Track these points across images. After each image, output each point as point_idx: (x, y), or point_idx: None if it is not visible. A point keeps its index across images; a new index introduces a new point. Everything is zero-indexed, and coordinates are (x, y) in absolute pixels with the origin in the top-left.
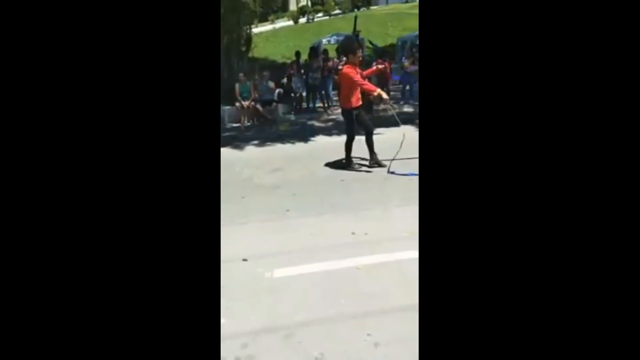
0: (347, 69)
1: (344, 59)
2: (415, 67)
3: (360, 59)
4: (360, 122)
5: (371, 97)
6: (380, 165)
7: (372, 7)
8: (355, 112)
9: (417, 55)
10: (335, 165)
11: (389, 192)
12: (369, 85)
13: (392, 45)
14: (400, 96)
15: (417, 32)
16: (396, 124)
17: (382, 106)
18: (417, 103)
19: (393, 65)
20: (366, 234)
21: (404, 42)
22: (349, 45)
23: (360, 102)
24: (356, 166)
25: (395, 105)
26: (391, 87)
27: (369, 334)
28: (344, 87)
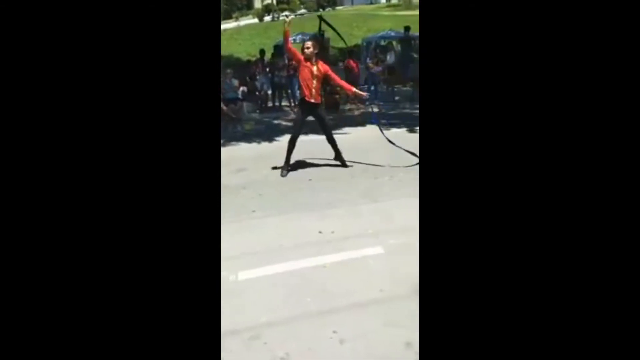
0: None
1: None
2: (379, 68)
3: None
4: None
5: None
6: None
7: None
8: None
9: (380, 56)
10: (302, 164)
11: (356, 190)
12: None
13: (356, 46)
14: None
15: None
16: (362, 124)
17: (348, 106)
18: (382, 103)
19: (361, 66)
20: (332, 232)
21: (368, 42)
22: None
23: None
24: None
25: (361, 105)
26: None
27: (334, 331)
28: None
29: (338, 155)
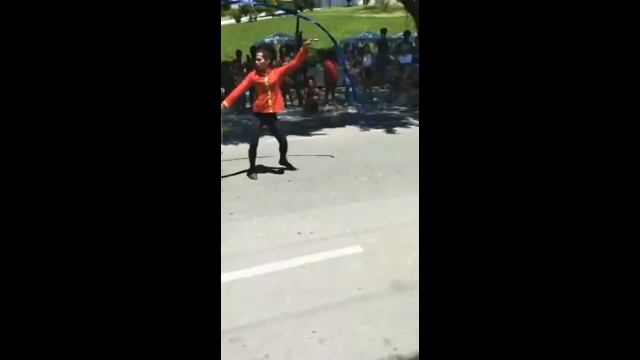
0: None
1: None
2: (357, 70)
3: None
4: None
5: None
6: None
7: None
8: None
9: (358, 58)
10: (280, 166)
11: (335, 190)
12: (294, 61)
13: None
14: (344, 98)
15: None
16: (341, 125)
17: (327, 107)
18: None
19: (339, 67)
20: (312, 233)
21: (346, 44)
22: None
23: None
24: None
25: (339, 107)
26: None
27: (314, 331)
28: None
29: (283, 160)
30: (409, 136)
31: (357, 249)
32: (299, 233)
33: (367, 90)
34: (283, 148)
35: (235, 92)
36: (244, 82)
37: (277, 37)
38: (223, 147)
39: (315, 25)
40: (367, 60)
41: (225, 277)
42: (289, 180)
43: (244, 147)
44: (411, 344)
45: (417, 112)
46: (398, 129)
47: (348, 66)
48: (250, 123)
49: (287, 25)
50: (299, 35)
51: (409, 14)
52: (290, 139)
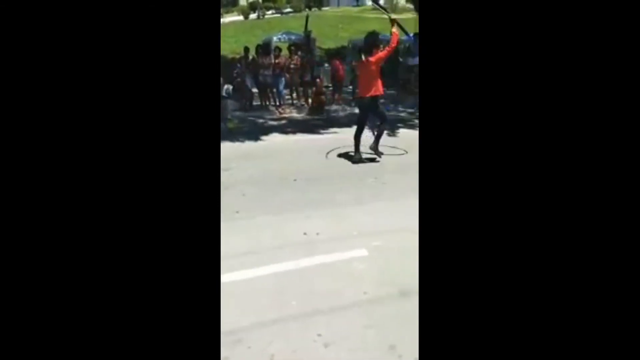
0: (365, 61)
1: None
2: None
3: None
4: (378, 111)
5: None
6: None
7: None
8: (372, 100)
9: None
10: (287, 164)
11: (341, 191)
12: (388, 48)
13: (343, 47)
14: (350, 98)
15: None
16: (348, 125)
17: (334, 107)
18: None
19: (346, 67)
20: (317, 234)
21: (354, 44)
22: (370, 41)
23: (381, 91)
24: (364, 159)
25: (346, 107)
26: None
27: (319, 334)
28: (363, 76)
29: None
30: (416, 138)
31: (363, 252)
32: (304, 234)
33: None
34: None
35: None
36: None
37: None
38: (229, 144)
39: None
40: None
41: (229, 277)
42: (295, 180)
43: (250, 145)
44: (415, 351)
45: None
46: (405, 131)
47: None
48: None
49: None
50: (307, 33)
51: (418, 15)
52: (298, 137)
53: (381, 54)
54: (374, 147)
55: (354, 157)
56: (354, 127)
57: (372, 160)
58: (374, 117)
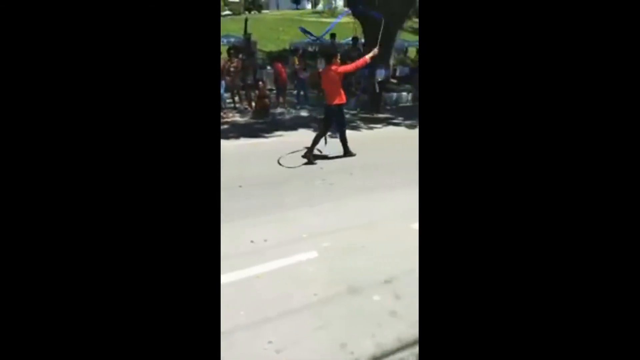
0: (334, 68)
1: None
2: (307, 74)
3: (338, 61)
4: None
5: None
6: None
7: (263, 11)
8: (339, 108)
9: (309, 62)
10: (231, 170)
11: (288, 195)
12: (357, 63)
13: (285, 50)
14: (295, 101)
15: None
16: (293, 128)
17: (279, 110)
18: (312, 107)
19: (287, 71)
20: (265, 240)
21: (295, 48)
22: (330, 50)
23: (345, 100)
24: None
25: (292, 110)
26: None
27: (270, 342)
28: (329, 85)
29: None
30: (359, 139)
31: (313, 254)
32: (251, 241)
33: (321, 94)
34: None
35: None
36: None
37: (225, 39)
38: None
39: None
40: (320, 64)
41: None
42: (240, 186)
43: None
44: (366, 347)
45: (366, 115)
46: (349, 132)
47: (298, 69)
48: (330, 115)
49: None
50: (247, 36)
51: (356, 20)
52: (241, 142)
53: (348, 67)
54: (346, 149)
55: (306, 154)
56: (300, 130)
57: (324, 157)
58: (336, 124)
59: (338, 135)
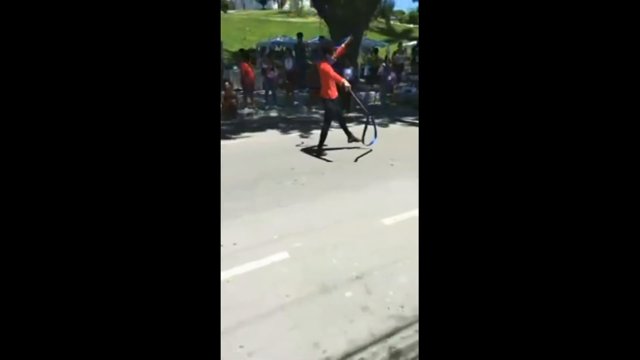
0: (325, 65)
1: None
2: (275, 73)
3: (334, 58)
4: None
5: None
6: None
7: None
8: (332, 101)
9: (277, 61)
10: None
11: (258, 197)
12: (339, 78)
13: (252, 50)
14: (264, 101)
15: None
16: (261, 129)
17: (246, 110)
18: (281, 108)
19: (255, 70)
20: (235, 244)
21: (263, 48)
22: (325, 45)
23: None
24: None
25: (260, 111)
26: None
27: (241, 346)
28: (322, 79)
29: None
30: (330, 138)
31: (284, 255)
32: (221, 245)
33: (289, 94)
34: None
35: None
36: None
37: None
38: None
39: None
40: (288, 64)
41: None
42: None
43: None
44: (339, 344)
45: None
46: (319, 131)
47: (266, 69)
48: (327, 107)
49: None
50: None
51: (322, 20)
52: None
53: (331, 73)
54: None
55: (317, 151)
56: (268, 131)
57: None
58: (335, 116)
59: (339, 125)
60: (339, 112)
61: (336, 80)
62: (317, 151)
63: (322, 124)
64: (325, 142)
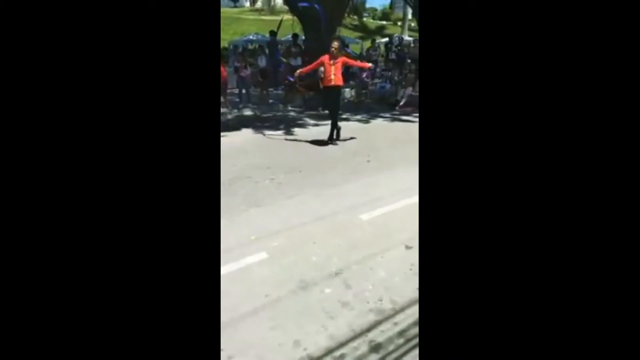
0: (342, 58)
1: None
2: (248, 72)
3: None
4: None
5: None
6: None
7: None
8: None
9: (250, 59)
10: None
11: (236, 197)
12: (361, 62)
13: (224, 49)
14: (238, 100)
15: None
16: (236, 128)
17: (222, 109)
18: (256, 106)
19: (228, 69)
20: None
21: (235, 46)
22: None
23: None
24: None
25: (234, 110)
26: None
27: (221, 350)
28: (338, 70)
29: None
30: (306, 136)
31: (262, 255)
32: None
33: (264, 92)
34: (334, 124)
35: (305, 69)
36: (316, 62)
37: None
38: None
39: None
40: (262, 61)
41: None
42: None
43: None
44: (320, 341)
45: (312, 112)
46: (295, 130)
47: (239, 68)
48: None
49: None
50: None
51: (294, 17)
52: None
53: (351, 61)
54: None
55: (331, 139)
56: (243, 130)
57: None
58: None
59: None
60: (339, 103)
61: (362, 66)
62: (333, 140)
63: (329, 113)
64: (303, 138)
